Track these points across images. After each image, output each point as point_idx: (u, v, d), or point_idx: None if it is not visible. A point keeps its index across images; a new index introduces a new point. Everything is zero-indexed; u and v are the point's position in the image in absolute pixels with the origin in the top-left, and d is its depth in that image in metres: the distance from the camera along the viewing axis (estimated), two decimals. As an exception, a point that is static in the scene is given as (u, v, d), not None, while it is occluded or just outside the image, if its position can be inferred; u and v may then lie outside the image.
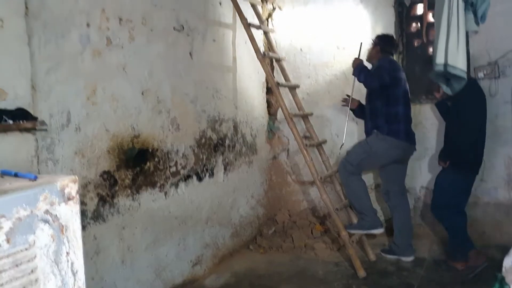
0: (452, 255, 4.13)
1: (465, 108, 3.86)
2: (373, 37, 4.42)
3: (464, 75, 3.05)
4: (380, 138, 4.12)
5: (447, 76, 3.17)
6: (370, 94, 4.24)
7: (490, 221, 4.62)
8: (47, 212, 1.27)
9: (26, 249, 1.21)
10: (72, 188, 1.36)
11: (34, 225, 1.23)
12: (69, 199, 1.34)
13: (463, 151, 3.92)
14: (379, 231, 4.30)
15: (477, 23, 3.05)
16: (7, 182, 1.33)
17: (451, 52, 3.00)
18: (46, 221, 1.26)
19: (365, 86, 4.20)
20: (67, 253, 1.32)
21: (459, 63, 3.00)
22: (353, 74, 4.24)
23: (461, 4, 2.95)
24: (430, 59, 3.84)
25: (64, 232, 1.33)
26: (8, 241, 1.17)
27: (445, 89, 3.29)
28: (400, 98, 4.15)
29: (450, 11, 2.99)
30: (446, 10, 3.02)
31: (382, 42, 4.30)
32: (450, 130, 4.05)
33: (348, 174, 4.21)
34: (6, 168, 2.31)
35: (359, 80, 4.14)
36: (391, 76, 4.04)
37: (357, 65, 4.20)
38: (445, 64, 3.03)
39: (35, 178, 1.35)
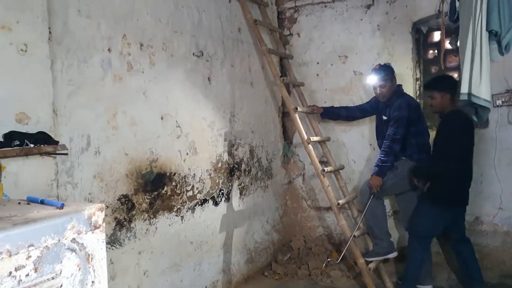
0: (469, 283, 4.05)
1: (440, 138, 3.80)
2: (382, 74, 4.28)
3: (488, 105, 3.03)
4: (410, 164, 4.14)
5: (475, 105, 3.16)
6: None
7: (510, 250, 4.53)
8: (74, 240, 1.26)
9: (52, 278, 1.20)
10: (99, 217, 1.35)
11: (61, 254, 1.22)
12: (95, 227, 1.34)
13: (439, 183, 3.80)
14: (393, 255, 4.32)
15: (501, 53, 3.04)
16: (34, 210, 1.33)
17: (474, 82, 2.99)
18: (73, 250, 1.25)
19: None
20: (93, 282, 1.31)
21: (482, 93, 2.99)
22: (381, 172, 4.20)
23: (485, 34, 2.95)
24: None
25: (90, 261, 1.32)
26: (35, 270, 1.16)
27: (474, 118, 3.26)
28: (426, 129, 4.25)
29: (474, 40, 2.98)
30: (470, 40, 3.01)
31: (392, 72, 4.33)
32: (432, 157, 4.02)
33: (372, 197, 4.19)
34: (27, 192, 2.33)
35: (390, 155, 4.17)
36: (414, 115, 4.15)
37: (378, 177, 4.19)
38: (469, 94, 3.02)
39: (62, 206, 1.34)
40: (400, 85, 4.36)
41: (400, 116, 4.11)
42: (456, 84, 3.82)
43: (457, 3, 3.34)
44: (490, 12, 2.94)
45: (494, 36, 2.98)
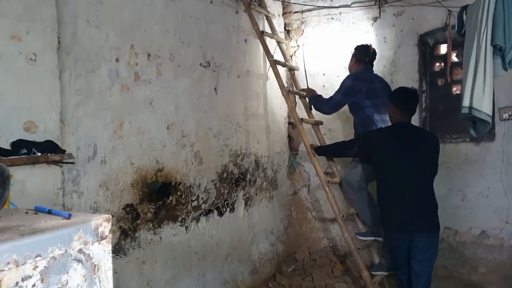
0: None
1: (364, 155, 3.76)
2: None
3: (489, 119, 3.03)
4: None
5: (474, 119, 3.16)
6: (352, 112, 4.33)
7: (517, 264, 4.50)
8: (80, 251, 1.27)
9: (58, 289, 1.20)
10: (106, 227, 1.35)
11: (67, 264, 1.22)
12: (102, 238, 1.34)
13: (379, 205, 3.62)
14: None
15: (505, 69, 3.04)
16: (42, 220, 1.33)
17: (476, 96, 3.00)
18: (79, 261, 1.26)
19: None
20: (98, 293, 1.31)
21: (483, 107, 2.99)
22: (309, 104, 4.64)
23: (489, 49, 2.95)
24: (455, 99, 3.82)
25: (96, 272, 1.32)
26: (42, 280, 1.16)
27: (471, 132, 3.25)
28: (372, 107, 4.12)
29: (478, 55, 2.99)
30: (474, 54, 3.02)
31: (356, 52, 4.38)
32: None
33: (356, 189, 4.21)
34: (33, 200, 2.34)
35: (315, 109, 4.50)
36: (354, 93, 4.15)
37: (310, 97, 4.53)
38: (470, 107, 3.03)
39: (69, 216, 1.34)
40: (367, 70, 4.30)
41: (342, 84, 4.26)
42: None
43: (464, 17, 3.34)
44: (495, 27, 2.95)
45: (498, 51, 2.98)
